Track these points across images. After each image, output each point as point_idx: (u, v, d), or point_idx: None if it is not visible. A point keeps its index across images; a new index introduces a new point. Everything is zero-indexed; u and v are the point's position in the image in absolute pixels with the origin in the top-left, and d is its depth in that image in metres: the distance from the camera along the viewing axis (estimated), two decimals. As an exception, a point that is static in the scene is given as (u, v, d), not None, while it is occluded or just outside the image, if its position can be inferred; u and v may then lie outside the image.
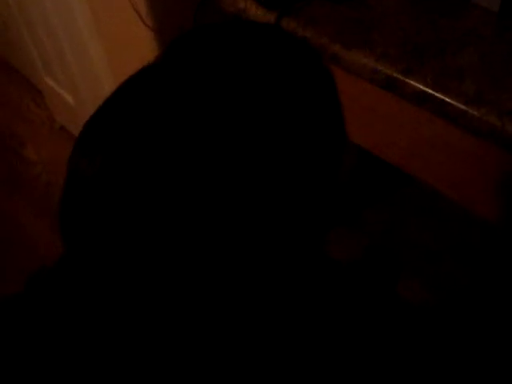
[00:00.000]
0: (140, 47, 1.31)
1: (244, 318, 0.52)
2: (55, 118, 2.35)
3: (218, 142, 0.44)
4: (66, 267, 0.54)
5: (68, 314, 0.52)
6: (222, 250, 0.45)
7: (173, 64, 0.50)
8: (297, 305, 0.58)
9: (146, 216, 0.44)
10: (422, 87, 0.97)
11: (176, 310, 0.48)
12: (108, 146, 0.45)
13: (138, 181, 0.44)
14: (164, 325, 0.49)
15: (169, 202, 0.43)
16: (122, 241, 0.45)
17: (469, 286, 1.63)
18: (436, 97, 0.95)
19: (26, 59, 2.22)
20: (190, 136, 0.44)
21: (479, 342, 1.50)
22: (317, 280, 0.63)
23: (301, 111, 0.49)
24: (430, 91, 0.96)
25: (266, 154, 0.46)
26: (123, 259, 0.45)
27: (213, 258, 0.45)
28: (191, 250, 0.45)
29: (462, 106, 0.93)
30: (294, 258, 0.53)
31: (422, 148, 1.09)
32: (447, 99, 0.94)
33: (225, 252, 0.46)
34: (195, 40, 0.53)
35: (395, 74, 1.00)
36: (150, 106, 0.46)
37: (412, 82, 0.98)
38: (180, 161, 0.44)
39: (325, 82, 0.56)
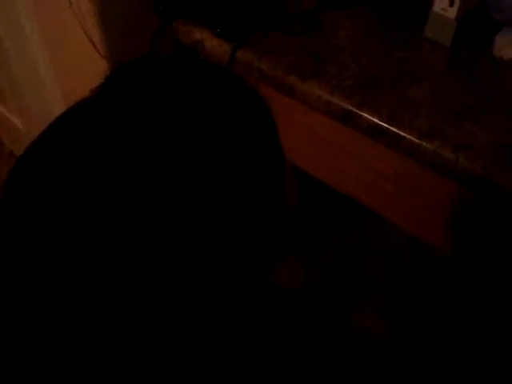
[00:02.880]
0: (92, 74, 1.29)
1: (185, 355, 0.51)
2: (4, 144, 2.30)
3: (144, 181, 0.44)
4: None
5: None
6: (157, 289, 0.45)
7: (107, 101, 0.49)
8: (244, 337, 0.58)
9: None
10: (376, 120, 0.97)
11: None
12: (42, 181, 0.45)
13: (65, 221, 0.43)
14: None
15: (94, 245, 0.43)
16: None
17: (423, 315, 1.64)
18: (390, 130, 0.96)
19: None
20: (117, 177, 0.44)
21: (434, 369, 1.51)
22: (264, 310, 0.63)
23: (235, 149, 0.49)
24: (384, 124, 0.97)
25: (199, 193, 0.45)
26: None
27: (148, 299, 0.45)
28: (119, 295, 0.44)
29: (416, 140, 0.94)
30: (239, 289, 0.52)
31: (377, 180, 1.10)
32: (401, 133, 0.95)
33: (160, 289, 0.45)
34: (134, 74, 0.52)
35: (350, 107, 1.00)
36: (81, 144, 0.46)
37: (366, 115, 0.98)
38: (108, 200, 0.43)
39: (261, 119, 0.56)
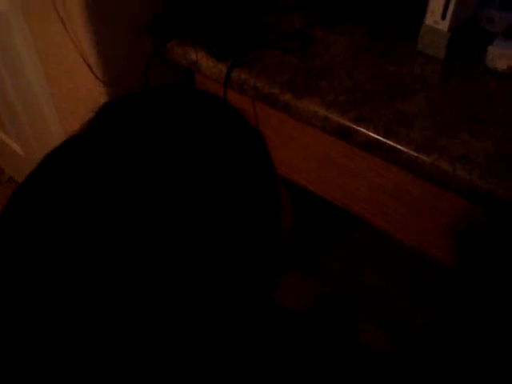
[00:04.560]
0: (89, 98, 1.30)
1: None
2: (4, 169, 2.30)
3: (139, 214, 0.44)
4: None
5: None
6: (159, 318, 0.46)
7: (98, 134, 0.49)
8: (249, 358, 0.58)
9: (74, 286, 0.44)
10: (372, 134, 0.98)
11: None
12: (34, 219, 0.45)
13: (63, 252, 0.44)
14: None
15: (96, 270, 0.44)
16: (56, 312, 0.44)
17: (426, 328, 1.64)
18: (387, 144, 0.97)
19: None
20: (113, 206, 0.44)
21: (436, 380, 1.51)
22: (269, 331, 0.63)
23: (231, 178, 0.50)
24: (381, 138, 0.97)
25: (197, 219, 0.46)
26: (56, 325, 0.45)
27: (150, 326, 0.46)
28: (127, 320, 0.45)
29: (413, 153, 0.94)
30: (242, 309, 0.52)
31: (375, 194, 1.10)
32: (398, 146, 0.95)
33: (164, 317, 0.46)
34: (125, 108, 0.52)
35: (346, 122, 1.01)
36: (71, 179, 0.46)
37: (363, 130, 0.99)
38: (107, 232, 0.44)
39: (255, 146, 0.56)
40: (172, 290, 0.45)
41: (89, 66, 1.22)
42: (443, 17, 1.08)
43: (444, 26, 1.09)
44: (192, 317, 0.47)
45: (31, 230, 0.45)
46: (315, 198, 1.24)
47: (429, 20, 1.11)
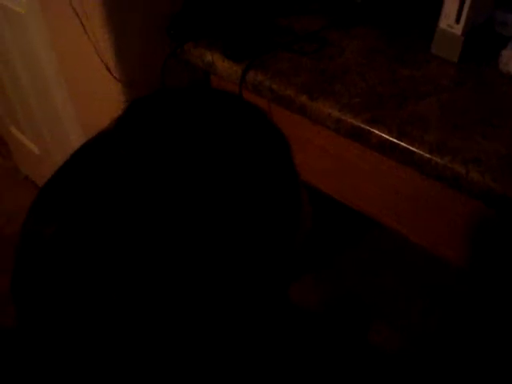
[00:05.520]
0: (107, 98, 1.31)
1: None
2: (19, 168, 2.33)
3: (171, 211, 0.45)
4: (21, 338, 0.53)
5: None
6: (182, 314, 0.46)
7: (128, 131, 0.50)
8: (264, 357, 0.58)
9: (101, 283, 0.44)
10: (386, 136, 0.99)
11: None
12: (63, 213, 0.46)
13: (91, 247, 0.44)
14: None
15: (123, 269, 0.44)
16: (79, 308, 0.45)
17: (438, 330, 1.64)
18: (401, 146, 0.98)
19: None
20: (142, 204, 0.45)
21: (448, 381, 1.51)
22: (283, 329, 0.63)
23: (253, 178, 0.50)
24: (394, 140, 0.98)
25: (216, 219, 0.46)
26: (78, 325, 0.45)
27: (174, 322, 0.46)
28: (150, 316, 0.45)
29: (427, 155, 0.95)
30: (259, 309, 0.53)
31: (389, 195, 1.11)
32: (412, 148, 0.96)
33: (184, 315, 0.46)
34: (151, 106, 0.53)
35: (360, 124, 1.02)
36: (101, 174, 0.47)
37: (376, 132, 1.00)
38: (133, 229, 0.44)
39: (278, 147, 0.57)
40: (192, 284, 0.46)
41: (106, 66, 1.24)
42: (457, 21, 1.09)
43: (458, 29, 1.10)
44: (211, 312, 0.48)
45: (58, 225, 0.45)
46: (328, 200, 1.25)
47: (443, 23, 1.12)
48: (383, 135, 0.99)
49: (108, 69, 1.24)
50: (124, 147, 0.48)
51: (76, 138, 1.61)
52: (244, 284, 0.49)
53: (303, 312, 0.74)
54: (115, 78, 1.24)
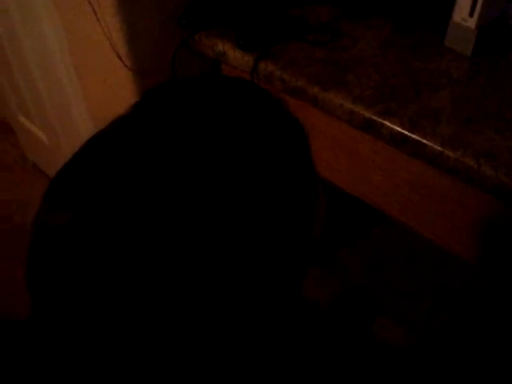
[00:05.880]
0: (118, 87, 1.31)
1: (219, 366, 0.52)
2: (27, 156, 2.33)
3: (185, 199, 0.44)
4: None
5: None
6: (195, 307, 0.45)
7: (143, 119, 0.50)
8: (274, 349, 0.58)
9: (115, 272, 0.43)
10: (398, 129, 0.98)
11: None
12: (77, 202, 0.45)
13: (106, 237, 0.44)
14: None
15: (136, 260, 0.43)
16: (92, 296, 0.44)
17: (447, 326, 1.63)
18: (412, 138, 0.97)
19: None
20: (157, 193, 0.44)
21: (455, 377, 1.51)
22: (294, 323, 0.63)
23: (272, 167, 0.50)
24: (406, 133, 0.98)
25: (233, 212, 0.46)
26: (92, 313, 0.45)
27: (187, 315, 0.46)
28: (163, 308, 0.45)
29: (439, 148, 0.94)
30: (271, 303, 0.53)
31: (400, 188, 1.10)
32: (424, 141, 0.96)
33: (198, 308, 0.46)
34: (168, 94, 0.53)
35: (372, 116, 1.01)
36: (118, 162, 0.46)
37: (389, 124, 0.99)
38: (147, 219, 0.44)
39: (295, 136, 0.56)
40: (207, 274, 0.45)
41: (118, 54, 1.24)
42: (471, 14, 1.08)
43: (472, 23, 1.09)
44: (229, 303, 0.48)
45: (72, 214, 0.45)
46: (336, 194, 1.25)
47: (456, 17, 1.11)
48: (395, 127, 0.99)
49: (119, 57, 1.24)
50: (143, 132, 0.48)
51: (85, 127, 1.62)
52: (261, 276, 0.49)
53: (311, 306, 0.74)
54: (126, 66, 1.24)
